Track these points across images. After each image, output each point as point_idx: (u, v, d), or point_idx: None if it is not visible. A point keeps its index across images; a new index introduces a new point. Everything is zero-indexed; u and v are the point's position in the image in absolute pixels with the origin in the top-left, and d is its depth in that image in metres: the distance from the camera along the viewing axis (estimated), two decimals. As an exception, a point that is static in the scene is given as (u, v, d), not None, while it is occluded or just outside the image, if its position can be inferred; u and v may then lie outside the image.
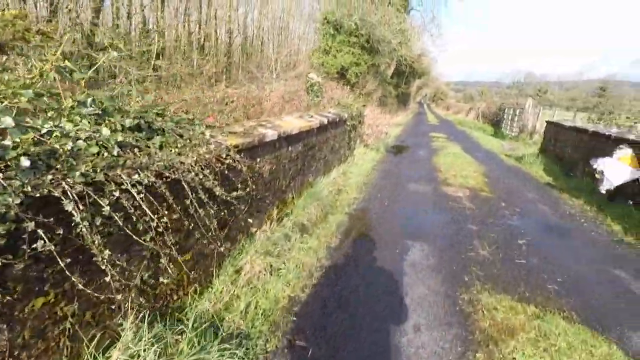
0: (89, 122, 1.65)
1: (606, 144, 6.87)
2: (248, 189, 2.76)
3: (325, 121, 5.37)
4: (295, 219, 4.24)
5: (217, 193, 2.17)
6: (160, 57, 19.07)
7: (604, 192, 6.11)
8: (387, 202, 5.79)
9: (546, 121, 10.65)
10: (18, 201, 1.21)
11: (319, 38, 22.05)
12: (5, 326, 1.32)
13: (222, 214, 2.50)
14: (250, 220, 3.10)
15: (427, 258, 3.95)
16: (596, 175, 6.24)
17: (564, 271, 3.93)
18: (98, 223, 1.50)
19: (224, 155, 2.30)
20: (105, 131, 1.60)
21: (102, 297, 1.62)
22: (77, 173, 1.44)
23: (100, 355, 1.76)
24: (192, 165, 2.04)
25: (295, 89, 10.18)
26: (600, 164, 6.12)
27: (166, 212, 1.96)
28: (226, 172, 2.43)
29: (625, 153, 5.97)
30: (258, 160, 3.18)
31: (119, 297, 1.60)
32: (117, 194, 1.57)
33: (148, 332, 1.91)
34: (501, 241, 4.58)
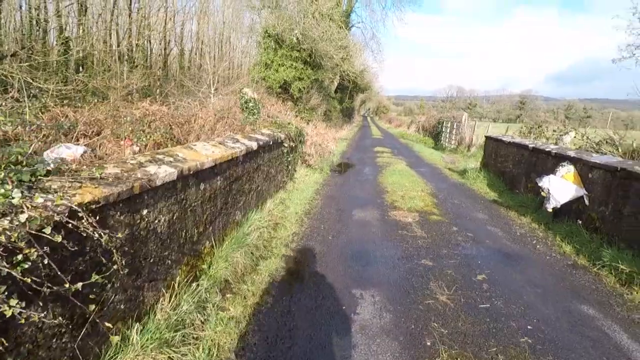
0: None
1: (547, 160, 6.80)
2: (116, 266, 1.83)
3: (255, 146, 4.54)
4: (215, 274, 3.33)
5: (7, 313, 1.23)
6: (82, 69, 17.09)
7: (550, 210, 5.93)
8: (331, 237, 5.05)
9: (485, 136, 10.75)
10: None
11: (261, 52, 21.42)
12: None
13: (60, 320, 1.55)
14: (122, 306, 2.15)
15: (380, 314, 3.23)
16: (542, 194, 6.06)
17: (531, 314, 3.43)
18: None
19: (47, 232, 1.38)
20: None
21: None
22: None
23: None
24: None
25: (230, 106, 9.28)
26: (546, 182, 5.94)
27: None
28: (61, 250, 1.52)
29: (568, 170, 5.85)
30: (145, 212, 2.27)
31: None
32: None
33: None
34: (460, 279, 4.03)
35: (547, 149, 6.84)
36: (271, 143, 5.32)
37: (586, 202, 5.46)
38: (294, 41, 19.59)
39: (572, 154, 6.08)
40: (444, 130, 23.04)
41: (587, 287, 4.12)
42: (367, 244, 4.89)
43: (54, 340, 1.63)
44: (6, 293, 1.22)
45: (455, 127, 21.03)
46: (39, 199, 1.40)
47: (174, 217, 2.67)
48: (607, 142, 11.73)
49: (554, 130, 13.95)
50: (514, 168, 8.26)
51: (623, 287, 4.11)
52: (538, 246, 5.31)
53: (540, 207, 6.81)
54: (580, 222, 5.51)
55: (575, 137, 13.25)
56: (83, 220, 1.58)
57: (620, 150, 10.94)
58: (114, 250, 1.79)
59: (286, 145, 6.26)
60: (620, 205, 4.77)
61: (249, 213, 4.67)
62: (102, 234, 1.63)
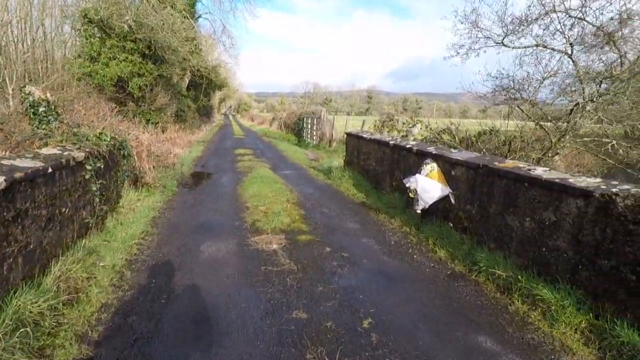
0: None
1: (409, 157, 6.57)
2: None
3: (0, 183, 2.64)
4: None
5: None
6: None
7: (419, 211, 5.60)
8: (164, 299, 3.49)
9: (346, 133, 10.47)
10: None
11: (83, 41, 17.35)
12: None
13: None
14: None
15: None
16: (410, 195, 5.69)
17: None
18: None
19: None
20: None
21: None
22: None
23: None
24: None
25: (11, 111, 6.62)
26: (413, 182, 5.58)
27: None
28: None
29: (432, 168, 5.59)
30: None
31: None
32: None
33: None
34: (343, 334, 3.04)
35: (407, 146, 6.60)
36: (50, 171, 3.39)
37: (452, 201, 5.24)
38: (126, 29, 16.38)
39: (432, 150, 5.87)
40: (305, 126, 23.00)
41: (473, 304, 3.67)
42: (218, 300, 3.51)
43: None
44: None
45: (315, 122, 21.11)
46: None
47: None
48: (446, 131, 12.96)
49: (404, 123, 14.95)
50: (378, 166, 7.99)
51: (504, 296, 3.79)
52: (415, 256, 4.83)
53: (407, 206, 6.56)
54: (450, 224, 5.27)
55: (421, 128, 14.41)
56: None
57: (457, 138, 12.09)
58: None
59: (90, 167, 4.31)
60: (486, 204, 4.57)
61: (7, 297, 2.75)
62: None
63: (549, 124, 10.35)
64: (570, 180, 3.54)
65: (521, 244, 4.02)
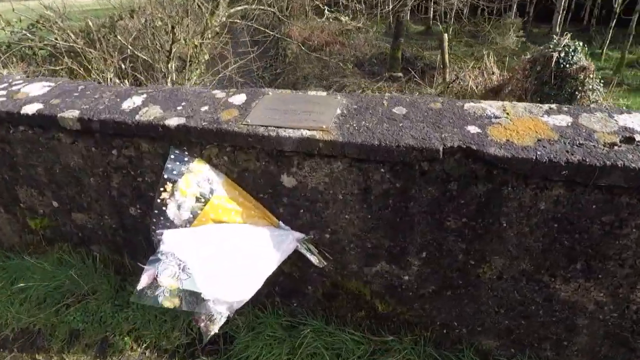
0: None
1: (57, 146, 1.90)
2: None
3: None
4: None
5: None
6: None
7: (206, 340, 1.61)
8: None
9: None
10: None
11: None
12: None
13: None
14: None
15: None
16: (165, 304, 1.48)
17: None
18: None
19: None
20: None
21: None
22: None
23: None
24: None
25: None
26: (164, 264, 1.39)
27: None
28: None
29: (198, 187, 1.50)
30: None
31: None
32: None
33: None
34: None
35: (24, 112, 1.81)
36: None
37: (314, 261, 1.65)
38: None
39: (172, 121, 1.62)
40: None
41: None
42: None
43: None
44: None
45: None
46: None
47: None
48: (45, 26, 7.27)
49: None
50: None
51: None
52: None
53: (124, 281, 2.26)
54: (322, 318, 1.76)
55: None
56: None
57: (73, 36, 6.55)
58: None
59: None
60: (476, 258, 1.46)
61: None
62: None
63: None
64: None
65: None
